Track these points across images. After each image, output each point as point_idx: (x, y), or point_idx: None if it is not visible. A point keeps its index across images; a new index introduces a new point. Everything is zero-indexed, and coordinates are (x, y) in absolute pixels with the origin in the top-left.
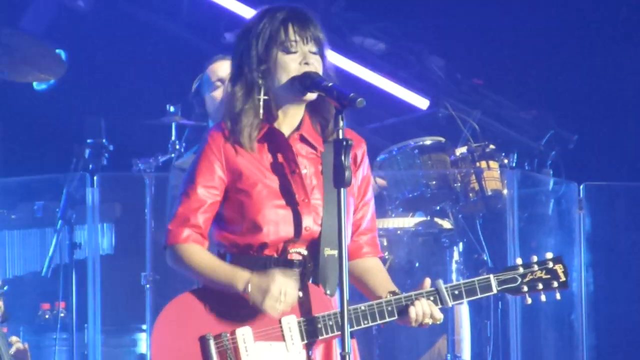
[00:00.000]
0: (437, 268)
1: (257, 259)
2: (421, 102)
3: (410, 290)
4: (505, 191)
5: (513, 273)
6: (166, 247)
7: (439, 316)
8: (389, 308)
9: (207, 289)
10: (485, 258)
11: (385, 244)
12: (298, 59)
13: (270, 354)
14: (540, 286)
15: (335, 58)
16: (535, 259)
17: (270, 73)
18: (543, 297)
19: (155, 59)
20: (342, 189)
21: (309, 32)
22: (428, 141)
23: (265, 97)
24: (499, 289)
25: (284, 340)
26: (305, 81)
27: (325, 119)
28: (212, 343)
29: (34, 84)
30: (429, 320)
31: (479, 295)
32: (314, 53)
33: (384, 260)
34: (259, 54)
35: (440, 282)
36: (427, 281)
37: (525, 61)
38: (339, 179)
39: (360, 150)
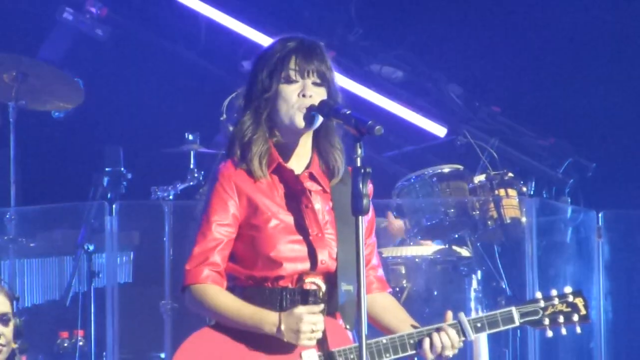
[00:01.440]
0: (456, 296)
1: (272, 290)
2: (439, 130)
3: (429, 319)
4: (523, 219)
5: (534, 306)
6: (184, 288)
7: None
8: (411, 341)
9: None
10: (504, 286)
11: (403, 272)
12: (298, 89)
13: None
14: (562, 319)
15: (353, 86)
16: (555, 292)
17: (273, 102)
18: (564, 331)
19: (174, 87)
20: (360, 218)
21: (312, 65)
22: (446, 169)
23: (270, 124)
24: (521, 321)
25: None
26: (323, 109)
27: (331, 152)
28: None
29: (53, 112)
30: (449, 352)
31: (501, 328)
32: (317, 85)
33: (401, 289)
34: (263, 83)
35: (463, 314)
36: (449, 314)
37: (543, 89)
38: (357, 207)
39: None
